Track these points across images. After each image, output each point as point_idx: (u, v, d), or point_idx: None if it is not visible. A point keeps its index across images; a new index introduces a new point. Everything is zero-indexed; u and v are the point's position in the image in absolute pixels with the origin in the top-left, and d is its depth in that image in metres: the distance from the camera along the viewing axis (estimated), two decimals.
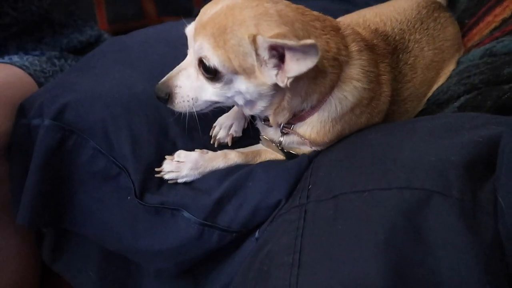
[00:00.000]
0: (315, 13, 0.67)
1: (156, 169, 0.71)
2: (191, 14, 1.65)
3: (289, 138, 0.72)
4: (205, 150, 0.73)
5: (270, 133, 0.74)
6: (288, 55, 0.58)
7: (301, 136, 0.71)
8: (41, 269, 0.93)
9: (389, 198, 0.55)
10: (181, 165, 0.71)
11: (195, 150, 0.73)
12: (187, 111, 0.65)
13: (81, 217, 0.73)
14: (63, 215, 0.73)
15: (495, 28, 1.02)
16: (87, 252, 0.80)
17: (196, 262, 0.73)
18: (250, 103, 0.66)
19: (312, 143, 0.71)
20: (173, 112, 0.67)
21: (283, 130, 0.71)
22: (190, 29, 0.65)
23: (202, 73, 0.63)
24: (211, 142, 0.77)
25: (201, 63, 0.62)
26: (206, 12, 0.63)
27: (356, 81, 0.68)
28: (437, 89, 0.91)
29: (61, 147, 0.69)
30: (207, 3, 0.66)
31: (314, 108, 0.68)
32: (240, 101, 0.66)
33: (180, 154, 0.71)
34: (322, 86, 0.65)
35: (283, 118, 0.69)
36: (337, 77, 0.66)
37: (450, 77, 0.92)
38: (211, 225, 0.67)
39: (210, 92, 0.65)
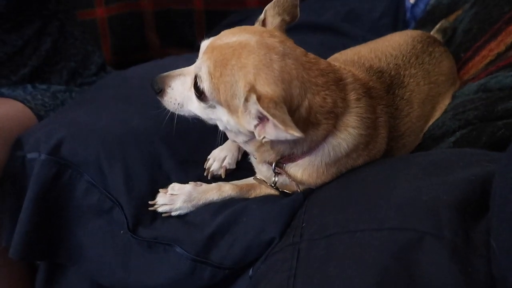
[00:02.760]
0: (323, 65, 0.67)
1: (150, 202, 0.71)
2: (193, 46, 1.68)
3: (283, 178, 0.72)
4: (199, 183, 0.73)
5: (263, 170, 0.74)
6: (271, 122, 0.58)
7: (291, 178, 0.71)
8: None
9: (381, 239, 0.55)
10: (175, 198, 0.71)
11: (189, 182, 0.73)
12: (172, 111, 0.68)
13: (74, 251, 0.73)
14: (57, 249, 0.73)
15: (490, 62, 1.03)
16: (80, 286, 0.80)
17: None
18: (230, 132, 0.67)
19: (302, 184, 0.71)
20: (159, 106, 0.70)
21: (276, 171, 0.71)
22: (205, 44, 0.67)
23: (195, 89, 0.65)
24: (205, 174, 0.77)
25: (196, 79, 0.64)
26: (222, 38, 0.65)
27: (352, 128, 0.68)
28: (433, 123, 0.91)
29: (57, 181, 0.70)
30: (209, 36, 0.69)
31: (305, 153, 0.68)
32: (220, 126, 0.68)
33: (174, 187, 0.72)
34: (314, 135, 0.66)
35: (269, 157, 0.69)
36: (331, 127, 0.67)
37: (445, 111, 0.92)
38: (204, 261, 0.67)
39: (195, 106, 0.67)
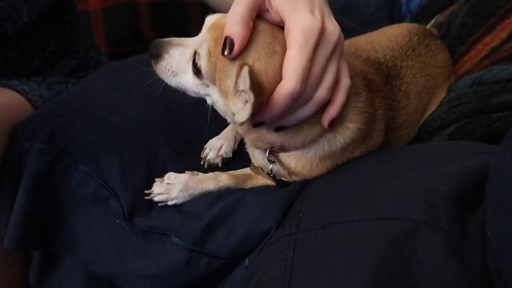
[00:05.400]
0: None
1: (146, 191, 0.71)
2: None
3: (277, 166, 0.72)
4: (195, 172, 0.73)
5: (259, 158, 0.74)
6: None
7: (285, 167, 0.71)
8: None
9: (378, 229, 0.55)
10: (171, 187, 0.70)
11: (185, 172, 0.73)
12: (162, 79, 0.67)
13: (70, 241, 0.72)
14: (52, 239, 0.73)
15: (485, 56, 1.04)
16: (74, 276, 0.79)
17: None
18: (217, 109, 0.66)
19: (296, 175, 0.70)
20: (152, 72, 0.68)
21: (270, 158, 0.70)
22: (210, 20, 0.65)
23: (192, 65, 0.64)
24: (202, 163, 0.77)
25: (194, 55, 0.63)
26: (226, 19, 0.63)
27: (351, 123, 0.68)
28: (428, 116, 0.91)
29: (51, 171, 0.69)
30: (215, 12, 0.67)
31: (297, 147, 0.68)
32: (209, 101, 0.67)
33: (170, 176, 0.71)
34: (309, 132, 0.65)
35: (259, 144, 0.69)
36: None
37: (441, 104, 0.93)
38: (200, 251, 0.67)
39: (189, 79, 0.65)
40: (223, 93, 0.61)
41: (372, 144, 0.74)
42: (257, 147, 0.71)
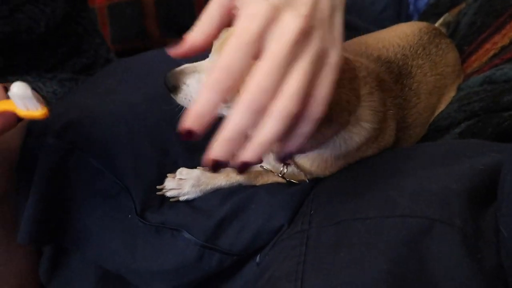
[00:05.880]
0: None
1: (158, 187, 0.71)
2: None
3: (291, 168, 0.72)
4: (207, 168, 0.73)
5: (270, 159, 0.74)
6: None
7: (300, 168, 0.71)
8: None
9: (392, 226, 0.55)
10: (183, 182, 0.71)
11: (197, 167, 0.73)
12: (186, 107, 0.62)
13: (81, 236, 0.72)
14: (64, 234, 0.73)
15: (494, 55, 1.04)
16: (84, 272, 0.79)
17: (194, 285, 0.72)
18: None
19: (310, 175, 0.71)
20: (174, 104, 0.64)
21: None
22: (218, 41, 0.60)
23: None
24: None
25: None
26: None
27: (365, 122, 0.68)
28: (438, 115, 0.91)
29: (63, 166, 0.69)
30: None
31: (314, 147, 0.68)
32: None
33: (182, 172, 0.71)
34: (325, 131, 0.65)
35: (276, 148, 0.68)
36: (344, 124, 0.66)
37: (450, 103, 0.93)
38: (212, 247, 0.67)
39: None
40: None
41: (384, 143, 0.74)
42: (273, 152, 0.71)
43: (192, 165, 0.73)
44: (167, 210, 0.70)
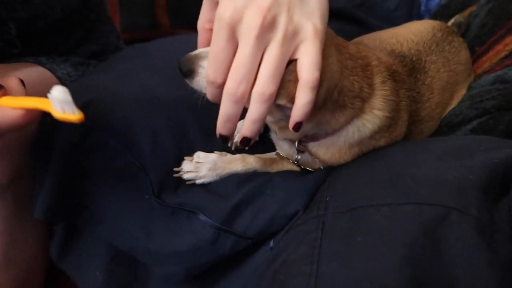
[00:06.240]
0: (352, 50, 0.67)
1: (175, 169, 0.72)
2: None
3: (305, 155, 0.72)
4: (223, 152, 0.74)
5: (284, 147, 0.75)
6: None
7: (314, 156, 0.72)
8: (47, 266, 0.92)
9: (408, 213, 0.56)
10: (200, 166, 0.71)
11: (214, 152, 0.73)
12: (201, 91, 0.63)
13: (97, 215, 0.73)
14: (79, 212, 0.73)
15: (505, 57, 1.05)
16: (96, 251, 0.80)
17: (207, 268, 0.73)
18: None
19: (325, 163, 0.72)
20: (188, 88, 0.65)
21: (299, 148, 0.71)
22: None
23: None
24: (229, 144, 0.78)
25: None
26: None
27: (378, 110, 0.69)
28: (449, 111, 0.92)
29: (82, 145, 0.69)
30: None
31: (328, 134, 0.69)
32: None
33: (199, 155, 0.72)
34: (339, 118, 0.66)
35: (291, 136, 0.69)
36: (358, 111, 0.67)
37: (462, 100, 0.94)
38: (227, 230, 0.67)
39: None
40: None
41: (396, 134, 0.75)
42: (288, 139, 0.71)
43: (209, 149, 0.74)
44: (184, 192, 0.71)
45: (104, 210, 0.72)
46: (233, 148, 0.78)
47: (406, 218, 0.56)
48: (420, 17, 1.45)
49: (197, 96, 0.64)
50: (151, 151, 0.70)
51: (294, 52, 0.52)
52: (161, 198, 0.70)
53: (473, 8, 1.31)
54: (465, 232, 0.54)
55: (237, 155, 0.73)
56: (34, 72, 0.86)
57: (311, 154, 0.72)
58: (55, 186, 0.70)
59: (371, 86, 0.68)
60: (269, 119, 0.68)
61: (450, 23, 1.24)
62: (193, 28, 1.90)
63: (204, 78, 0.60)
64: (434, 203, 0.57)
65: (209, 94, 0.57)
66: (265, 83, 0.51)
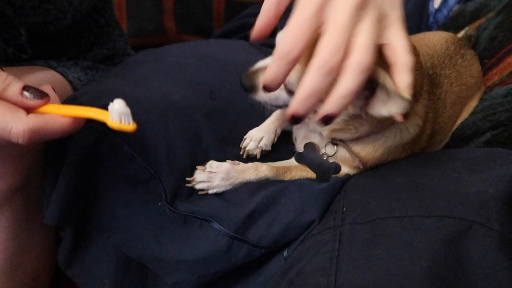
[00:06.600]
0: None
1: (188, 179, 0.71)
2: (210, 35, 1.68)
3: (343, 152, 0.72)
4: (236, 162, 0.73)
5: (313, 138, 0.74)
6: (379, 93, 0.54)
7: (353, 153, 0.71)
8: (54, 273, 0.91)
9: (430, 226, 0.56)
10: (213, 176, 0.70)
11: (227, 161, 0.73)
12: (266, 104, 0.66)
13: (108, 220, 0.72)
14: (90, 217, 0.72)
15: None
16: (105, 259, 0.78)
17: (218, 277, 0.71)
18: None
19: (363, 162, 0.71)
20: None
21: (333, 142, 0.71)
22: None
23: (287, 92, 0.63)
24: (241, 153, 0.77)
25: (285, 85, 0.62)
26: None
27: (419, 118, 0.69)
28: (461, 123, 0.92)
29: (95, 149, 0.68)
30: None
31: (371, 133, 0.69)
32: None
33: (212, 164, 0.71)
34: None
35: (340, 136, 0.69)
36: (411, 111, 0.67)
37: (474, 113, 0.94)
38: (241, 239, 0.66)
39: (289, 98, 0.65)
40: None
41: (419, 146, 0.75)
42: (333, 138, 0.71)
43: (223, 157, 0.73)
44: (197, 200, 0.70)
45: (115, 216, 0.71)
46: (244, 157, 0.77)
47: (428, 231, 0.55)
48: (428, 28, 1.45)
49: (210, 100, 0.64)
50: (165, 157, 0.69)
51: (380, 37, 0.51)
52: (174, 205, 0.69)
53: (481, 21, 1.31)
54: (487, 246, 0.53)
55: (250, 164, 0.73)
56: (46, 76, 0.86)
57: (349, 150, 0.71)
58: (67, 191, 0.69)
59: (421, 87, 0.67)
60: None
61: (460, 35, 1.24)
62: (199, 34, 1.89)
63: (267, 94, 0.62)
64: (455, 216, 0.56)
65: (274, 71, 0.50)
66: (362, 53, 0.48)
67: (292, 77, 0.59)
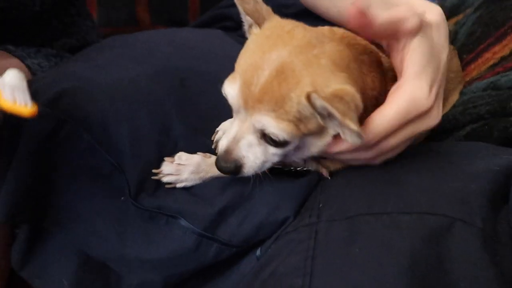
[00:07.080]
0: (362, 42, 0.62)
1: (154, 171, 0.66)
2: (186, 25, 1.62)
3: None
4: (207, 154, 0.68)
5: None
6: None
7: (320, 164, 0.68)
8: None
9: (410, 222, 0.53)
10: (182, 168, 0.66)
11: (197, 153, 0.68)
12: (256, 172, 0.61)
13: (65, 217, 0.66)
14: (47, 212, 0.66)
15: (495, 64, 1.04)
16: (63, 257, 0.72)
17: (186, 277, 0.67)
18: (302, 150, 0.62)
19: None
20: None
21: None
22: (234, 96, 0.57)
23: (268, 142, 0.58)
24: (213, 146, 0.72)
25: (265, 136, 0.57)
26: (253, 80, 0.54)
27: None
28: (442, 117, 0.90)
29: (53, 138, 0.62)
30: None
31: None
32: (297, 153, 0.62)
33: (181, 156, 0.66)
34: None
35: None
36: None
37: (454, 106, 0.92)
38: (211, 237, 0.62)
39: (274, 152, 0.59)
40: (318, 133, 0.57)
41: None
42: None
43: (193, 148, 0.68)
44: (163, 195, 0.65)
45: (74, 211, 0.65)
46: (216, 151, 0.72)
47: (408, 228, 0.52)
48: None
49: (181, 87, 0.59)
50: (129, 148, 0.64)
51: None
52: (138, 200, 0.64)
53: (459, 18, 1.31)
54: (469, 244, 0.51)
55: None
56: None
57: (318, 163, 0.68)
58: (19, 183, 0.62)
59: (386, 85, 0.64)
60: None
61: None
62: (173, 24, 1.83)
63: (252, 163, 0.59)
64: (437, 213, 0.53)
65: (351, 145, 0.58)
66: (386, 158, 0.64)
67: (283, 135, 0.56)
